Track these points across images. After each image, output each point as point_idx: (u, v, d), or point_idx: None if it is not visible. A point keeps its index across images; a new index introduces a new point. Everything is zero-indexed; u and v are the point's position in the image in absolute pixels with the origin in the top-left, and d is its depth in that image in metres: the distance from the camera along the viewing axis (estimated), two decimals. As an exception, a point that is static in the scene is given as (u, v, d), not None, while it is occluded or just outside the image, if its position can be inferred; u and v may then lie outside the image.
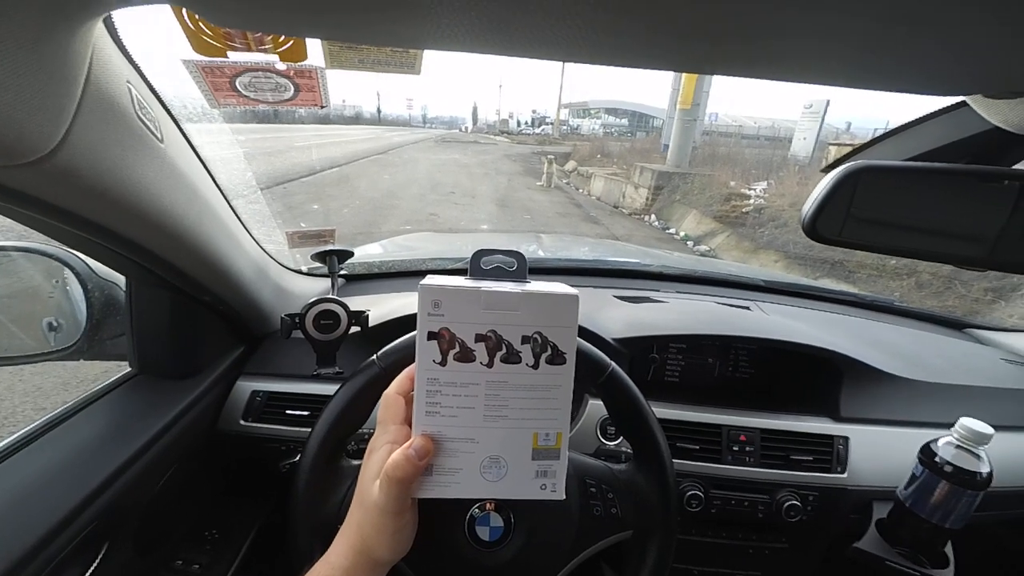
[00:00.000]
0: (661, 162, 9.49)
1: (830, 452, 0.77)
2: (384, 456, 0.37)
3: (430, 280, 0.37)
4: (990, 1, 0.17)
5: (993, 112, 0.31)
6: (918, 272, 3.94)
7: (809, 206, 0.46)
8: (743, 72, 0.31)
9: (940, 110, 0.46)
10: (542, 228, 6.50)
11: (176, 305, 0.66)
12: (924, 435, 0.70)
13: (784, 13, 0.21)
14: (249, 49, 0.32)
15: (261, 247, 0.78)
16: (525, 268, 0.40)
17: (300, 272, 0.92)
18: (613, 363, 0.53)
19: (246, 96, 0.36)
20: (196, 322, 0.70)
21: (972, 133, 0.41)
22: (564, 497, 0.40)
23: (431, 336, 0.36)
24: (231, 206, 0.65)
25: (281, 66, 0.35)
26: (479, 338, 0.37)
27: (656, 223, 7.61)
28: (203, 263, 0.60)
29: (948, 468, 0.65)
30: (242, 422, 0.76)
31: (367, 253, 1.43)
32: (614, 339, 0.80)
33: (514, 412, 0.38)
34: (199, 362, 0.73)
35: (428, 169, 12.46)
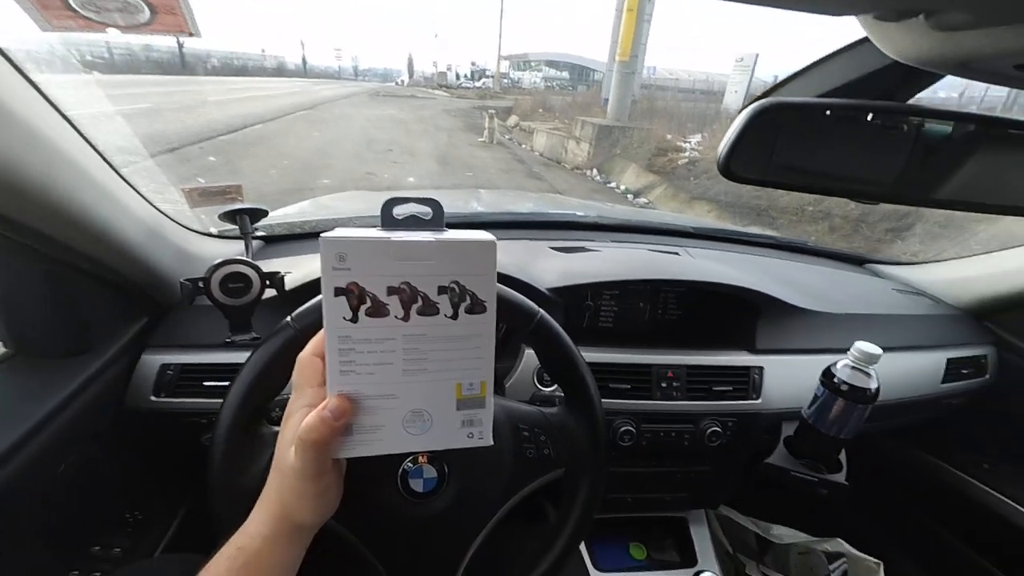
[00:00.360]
0: (602, 116, 9.48)
1: (747, 381, 0.84)
2: (300, 420, 0.35)
3: (334, 232, 0.34)
4: None
5: (886, 41, 0.31)
6: (831, 217, 4.29)
7: (724, 144, 0.47)
8: None
9: (846, 46, 0.48)
10: (485, 185, 6.38)
11: (50, 277, 0.58)
12: (826, 360, 0.77)
13: None
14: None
15: (156, 207, 0.70)
16: (441, 216, 0.38)
17: (209, 235, 0.84)
18: (541, 310, 0.53)
19: (87, 16, 0.31)
20: (79, 294, 0.63)
21: (875, 68, 0.43)
22: (492, 443, 0.40)
23: (338, 292, 0.34)
24: (107, 161, 0.57)
25: (125, -22, 0.30)
26: (392, 291, 0.35)
27: (598, 177, 7.69)
28: (73, 227, 0.52)
29: (844, 387, 0.72)
30: (153, 398, 0.71)
31: (291, 212, 1.34)
32: (548, 288, 0.80)
33: (435, 364, 0.37)
34: (90, 337, 0.66)
35: (363, 126, 11.74)
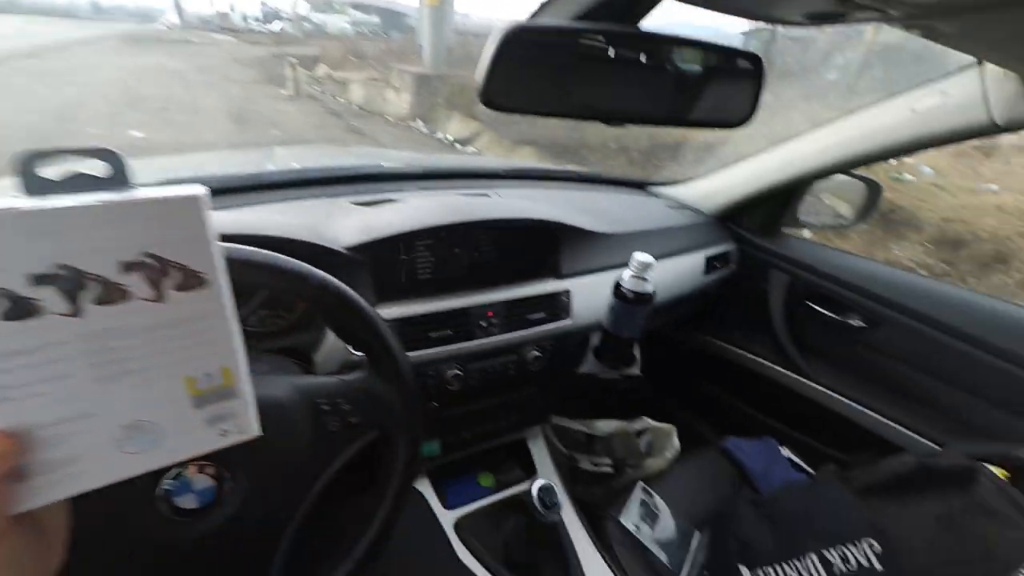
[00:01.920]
0: (420, 64, 9.05)
1: (557, 305, 0.92)
2: None
3: None
4: None
5: None
6: (628, 151, 4.93)
7: (478, 75, 0.45)
8: None
9: None
10: (297, 145, 5.68)
11: None
12: (618, 274, 0.88)
13: None
14: None
15: None
16: (125, 172, 0.28)
17: None
18: (318, 272, 0.48)
19: None
20: None
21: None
22: (257, 432, 0.34)
23: None
24: None
25: None
26: (40, 280, 0.25)
27: (424, 128, 7.45)
28: None
29: (630, 295, 0.84)
30: None
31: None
32: (348, 248, 0.74)
33: (142, 363, 0.29)
34: None
35: (120, 78, 9.23)
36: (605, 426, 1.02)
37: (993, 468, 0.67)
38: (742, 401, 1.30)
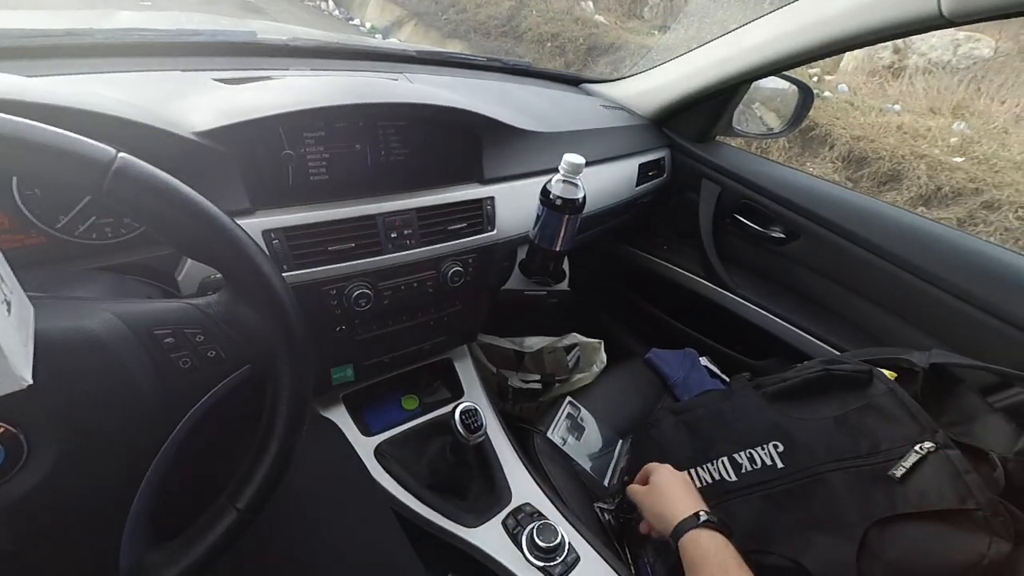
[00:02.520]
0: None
1: (480, 214, 0.81)
2: None
3: None
4: None
5: None
6: (565, 52, 4.60)
7: None
8: None
9: None
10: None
11: None
12: (547, 179, 0.78)
13: None
14: None
15: None
16: None
17: None
18: (118, 152, 0.34)
19: None
20: None
21: None
22: (29, 380, 0.25)
23: None
24: None
25: None
26: None
27: (337, 12, 6.41)
28: None
29: (558, 201, 0.75)
30: None
31: None
32: (197, 132, 0.57)
33: None
34: None
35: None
36: (535, 342, 0.99)
37: (885, 371, 0.72)
38: (667, 313, 1.32)
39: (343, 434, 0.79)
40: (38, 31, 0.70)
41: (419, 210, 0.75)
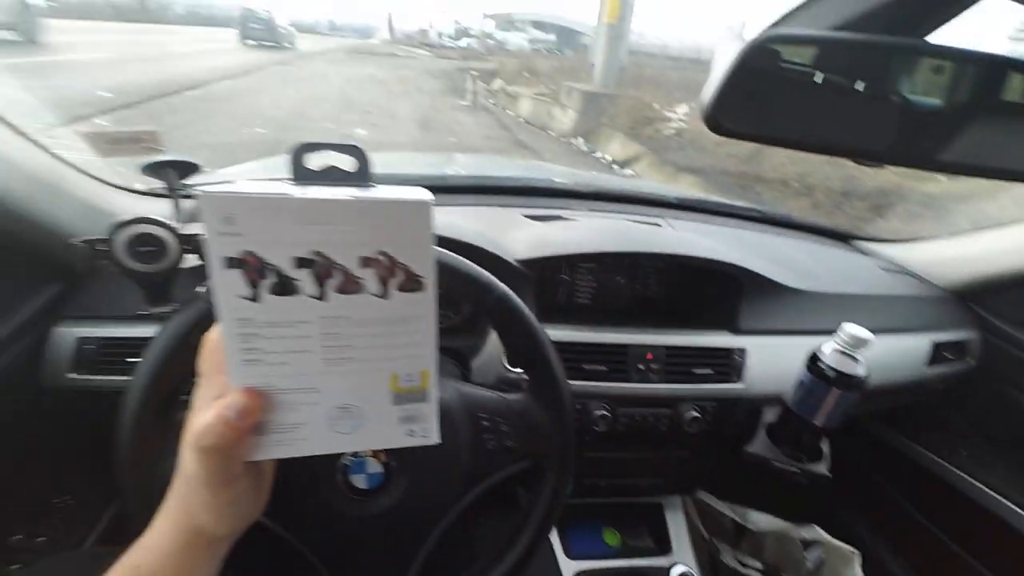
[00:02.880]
0: (589, 82, 9.20)
1: (729, 364, 0.79)
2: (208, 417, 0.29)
3: (221, 186, 0.26)
4: None
5: None
6: (814, 192, 4.28)
7: (710, 90, 0.39)
8: None
9: None
10: (468, 152, 6.17)
11: None
12: (811, 342, 0.72)
13: None
14: None
15: (57, 156, 0.59)
16: (368, 168, 0.30)
17: (133, 191, 0.73)
18: (502, 285, 0.46)
19: None
20: None
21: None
22: (438, 440, 0.34)
23: (231, 263, 0.27)
24: None
25: None
26: (301, 263, 0.27)
27: (584, 146, 7.52)
28: None
29: (831, 373, 0.68)
30: (72, 375, 0.63)
31: (248, 170, 1.22)
32: (519, 260, 0.73)
33: (362, 352, 0.30)
34: None
35: (340, 85, 11.17)
36: (761, 520, 0.85)
37: None
38: (962, 546, 0.95)
39: (551, 545, 0.80)
40: (424, 176, 1.03)
41: (668, 348, 0.78)
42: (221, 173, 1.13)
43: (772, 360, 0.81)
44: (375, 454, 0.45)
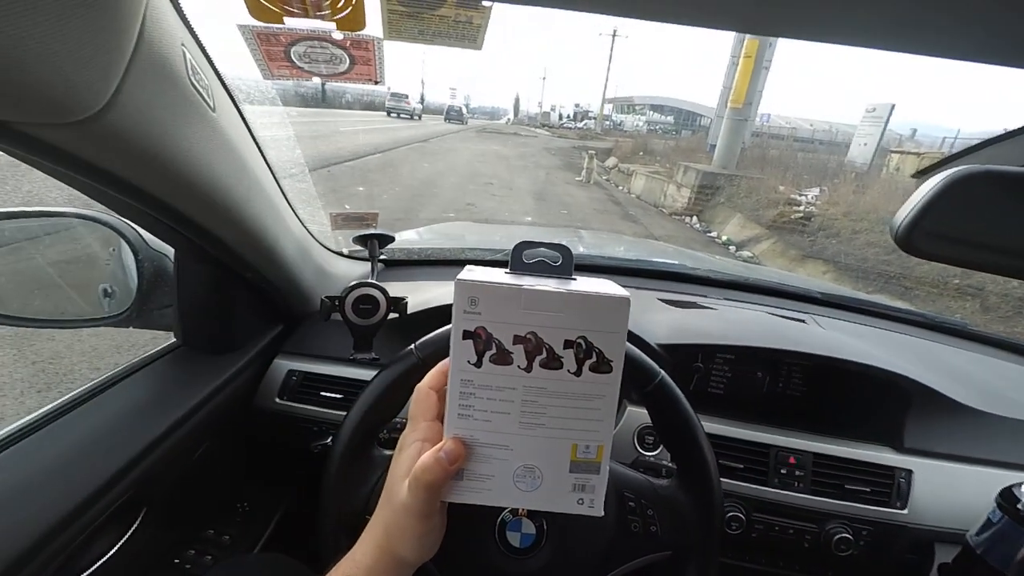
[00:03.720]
0: (706, 162, 9.16)
1: (890, 485, 0.71)
2: (414, 454, 0.35)
3: (468, 274, 0.34)
4: None
5: None
6: (984, 293, 3.64)
7: (906, 213, 0.40)
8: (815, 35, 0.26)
9: None
10: (579, 223, 6.41)
11: (219, 280, 0.67)
12: (998, 475, 0.64)
13: None
14: (306, 14, 0.30)
15: (305, 227, 0.78)
16: (571, 264, 0.37)
17: (341, 254, 0.92)
18: (663, 372, 0.50)
19: (300, 67, 0.35)
20: (238, 298, 0.71)
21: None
22: (602, 513, 0.37)
23: (467, 335, 0.34)
24: (279, 184, 0.65)
25: (338, 35, 0.33)
26: (517, 340, 0.34)
27: (697, 225, 7.38)
28: (249, 239, 0.60)
29: (1033, 518, 0.58)
30: (277, 400, 0.77)
31: (405, 239, 1.43)
32: (659, 344, 0.76)
33: (552, 421, 0.35)
34: (239, 338, 0.74)
35: (468, 159, 12.51)
36: None
37: None
38: None
39: None
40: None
41: (816, 455, 0.73)
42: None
43: (947, 489, 0.70)
44: (529, 514, 0.48)
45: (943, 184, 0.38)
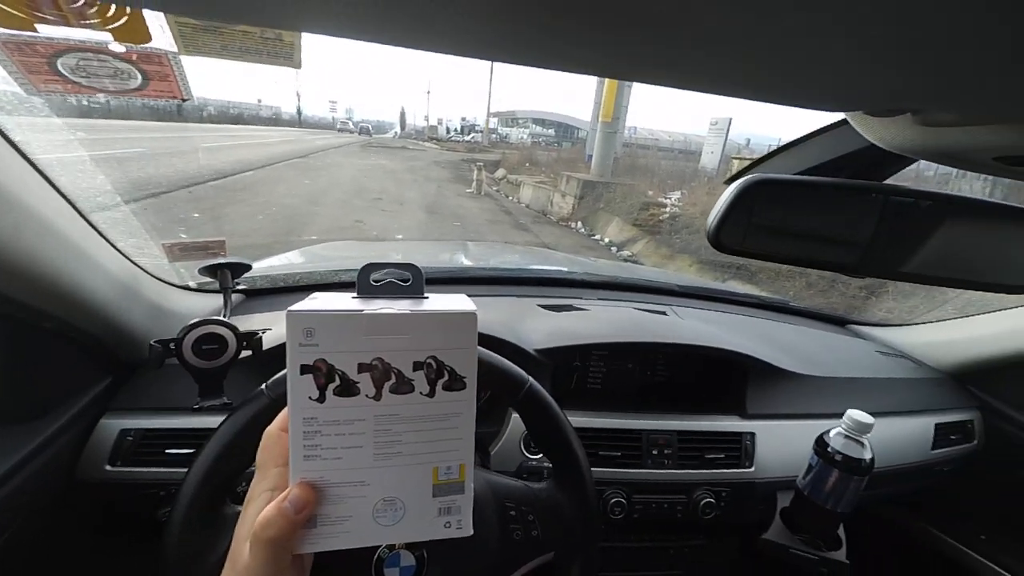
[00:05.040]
0: (586, 171, 9.87)
1: (739, 448, 0.81)
2: (262, 506, 0.31)
3: (302, 304, 0.32)
4: (872, 28, 0.17)
5: (870, 130, 0.33)
6: (808, 274, 4.43)
7: (712, 218, 0.47)
8: (649, 78, 0.30)
9: (825, 127, 0.50)
10: (472, 235, 6.47)
11: (10, 335, 0.55)
12: (818, 426, 0.76)
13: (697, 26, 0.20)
14: (67, 22, 0.26)
15: (132, 261, 0.67)
16: (421, 283, 0.36)
17: (187, 288, 0.81)
18: (531, 379, 0.51)
19: (76, 82, 0.30)
20: (38, 354, 0.59)
21: (852, 149, 0.44)
22: (471, 532, 0.36)
23: (305, 370, 0.31)
24: (82, 214, 0.55)
25: (119, 48, 0.29)
26: (363, 368, 0.32)
27: (582, 230, 7.88)
28: (33, 284, 0.50)
29: (838, 457, 0.70)
30: (108, 467, 0.65)
31: (276, 264, 1.31)
32: (536, 350, 0.79)
33: (409, 447, 0.34)
34: (45, 401, 0.61)
35: (353, 174, 11.98)
36: (786, 614, 0.82)
37: None
38: None
39: None
40: (447, 269, 1.11)
41: (680, 433, 0.81)
42: (258, 266, 1.23)
43: (781, 444, 0.83)
44: (408, 546, 0.47)
45: (733, 193, 0.44)
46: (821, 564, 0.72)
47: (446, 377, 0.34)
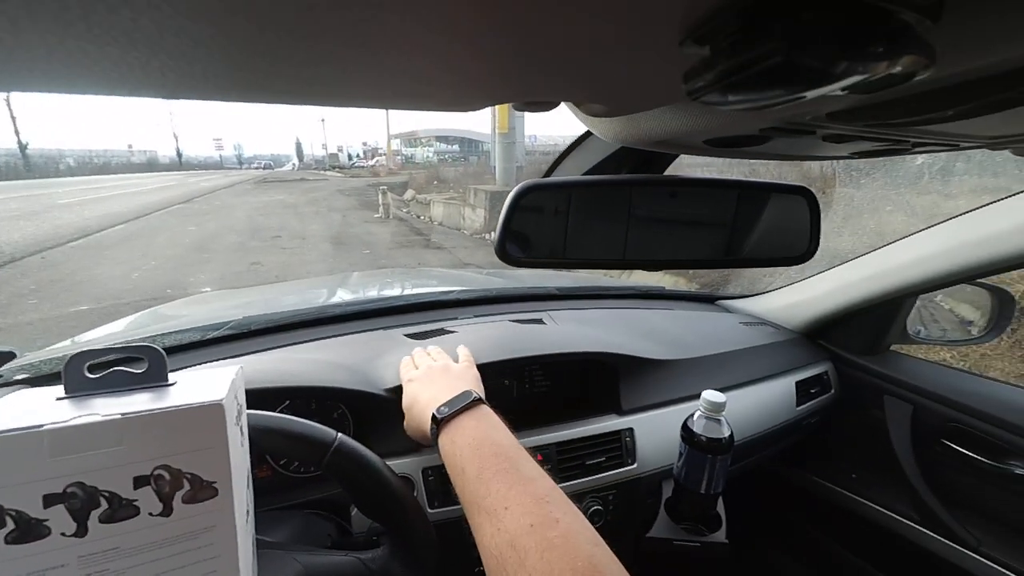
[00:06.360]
0: (492, 183, 10.00)
1: (619, 446, 0.80)
2: None
3: None
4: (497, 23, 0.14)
5: (599, 130, 0.31)
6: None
7: (496, 232, 0.44)
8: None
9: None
10: (384, 261, 6.25)
11: None
12: (688, 408, 0.76)
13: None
14: None
15: None
16: (163, 367, 0.29)
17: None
18: (339, 434, 0.45)
19: None
20: None
21: (614, 149, 0.43)
22: None
23: None
24: None
25: None
26: (51, 500, 0.24)
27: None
28: None
29: (702, 439, 0.71)
30: None
31: (115, 330, 1.12)
32: (387, 389, 0.72)
33: None
34: None
35: (247, 214, 11.14)
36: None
37: None
38: (868, 561, 1.01)
39: None
40: (301, 312, 1.01)
41: (558, 444, 0.78)
42: (79, 340, 1.04)
43: (659, 433, 0.83)
44: None
45: (510, 201, 0.42)
46: (703, 550, 0.72)
47: (187, 487, 0.27)
